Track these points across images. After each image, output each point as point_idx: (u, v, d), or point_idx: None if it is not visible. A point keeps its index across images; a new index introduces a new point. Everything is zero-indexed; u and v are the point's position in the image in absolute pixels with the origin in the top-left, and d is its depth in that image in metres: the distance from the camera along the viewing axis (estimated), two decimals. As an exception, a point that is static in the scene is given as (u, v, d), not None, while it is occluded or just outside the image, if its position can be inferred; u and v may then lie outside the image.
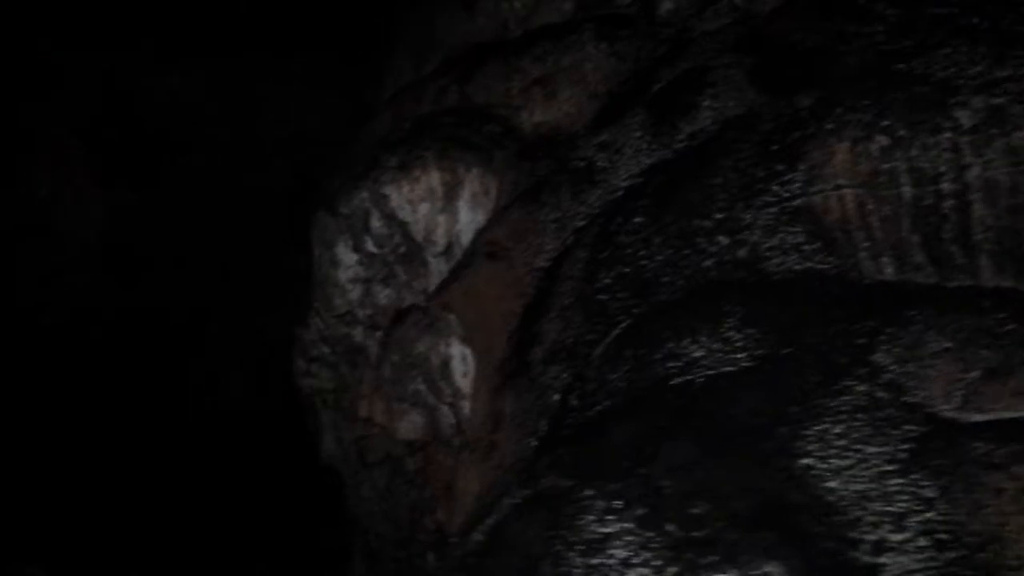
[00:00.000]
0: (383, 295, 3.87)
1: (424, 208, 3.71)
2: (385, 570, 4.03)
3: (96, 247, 4.24)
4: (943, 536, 1.85)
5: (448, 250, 3.74)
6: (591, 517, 2.14)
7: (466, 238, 3.71)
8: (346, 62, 4.53)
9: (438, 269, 3.73)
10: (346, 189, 3.87)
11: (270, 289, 4.39)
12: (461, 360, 3.47)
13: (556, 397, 3.02)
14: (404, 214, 3.73)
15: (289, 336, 4.24)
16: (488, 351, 3.41)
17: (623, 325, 2.86)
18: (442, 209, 3.71)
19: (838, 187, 2.65)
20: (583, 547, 2.10)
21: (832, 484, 1.97)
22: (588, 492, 2.20)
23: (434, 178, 3.69)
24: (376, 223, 3.79)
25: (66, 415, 3.74)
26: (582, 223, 3.33)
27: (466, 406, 3.46)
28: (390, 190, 3.71)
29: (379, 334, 3.89)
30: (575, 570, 2.08)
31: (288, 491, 4.05)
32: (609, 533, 2.08)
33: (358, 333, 3.97)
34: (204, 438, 4.01)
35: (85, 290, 4.13)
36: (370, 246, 3.84)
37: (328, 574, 3.95)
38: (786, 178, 2.75)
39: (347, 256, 3.91)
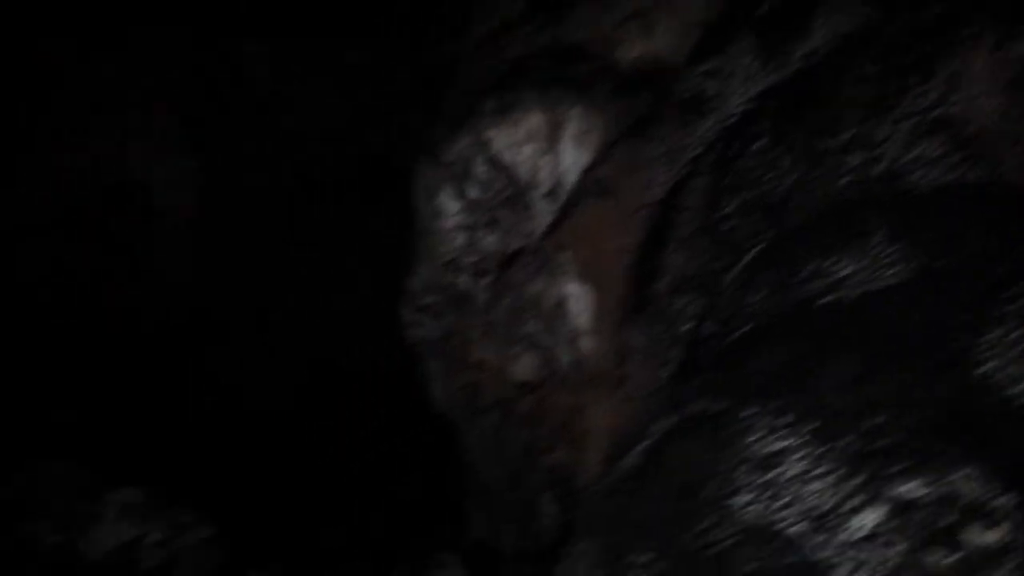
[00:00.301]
0: (488, 241, 3.83)
1: (528, 150, 3.66)
2: (498, 512, 4.05)
3: (191, 218, 4.24)
4: None
5: (553, 191, 3.69)
6: (757, 435, 2.10)
7: (571, 178, 3.66)
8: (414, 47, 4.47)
9: (544, 211, 3.68)
10: (446, 137, 3.84)
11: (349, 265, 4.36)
12: (578, 298, 3.44)
13: (687, 327, 2.98)
14: (507, 157, 3.68)
15: (356, 305, 4.24)
16: (606, 287, 3.37)
17: (755, 250, 2.80)
18: (546, 150, 3.66)
19: (978, 96, 2.56)
20: (753, 464, 2.06)
21: (1016, 391, 1.91)
22: (750, 411, 2.16)
23: (536, 119, 3.63)
24: (479, 169, 3.75)
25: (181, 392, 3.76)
26: (695, 153, 3.26)
27: (585, 343, 3.43)
28: (492, 134, 3.67)
29: (487, 280, 3.86)
30: (745, 487, 2.05)
31: (399, 441, 4.06)
32: (780, 449, 2.04)
33: (464, 280, 3.95)
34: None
35: (182, 264, 4.14)
36: (473, 192, 3.81)
37: (441, 518, 3.96)
38: (920, 90, 2.66)
39: (450, 204, 3.88)
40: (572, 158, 3.63)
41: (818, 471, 1.97)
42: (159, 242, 4.20)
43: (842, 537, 1.90)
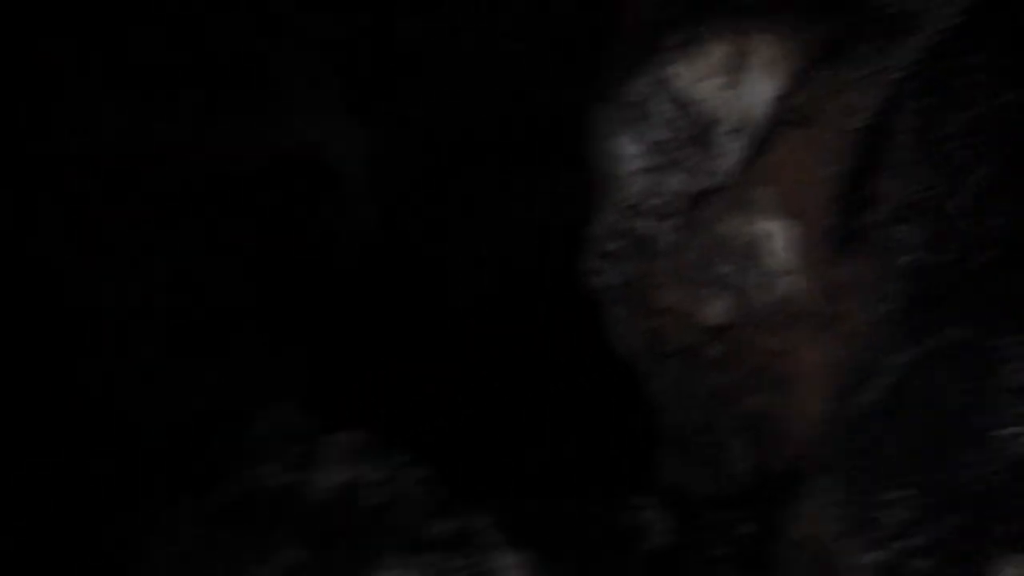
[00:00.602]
0: (673, 182, 3.79)
1: (713, 84, 3.58)
2: (690, 457, 4.05)
3: (362, 180, 4.33)
4: None
5: (742, 125, 3.61)
6: (1020, 364, 2.03)
7: (761, 110, 3.58)
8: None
9: (733, 147, 3.61)
10: (623, 78, 3.80)
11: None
12: (776, 235, 3.37)
13: (909, 257, 2.89)
14: (691, 93, 3.61)
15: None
16: (809, 221, 3.30)
17: (983, 171, 2.68)
18: (732, 83, 3.57)
19: None
20: (1018, 394, 2.00)
21: None
22: (1007, 340, 2.09)
23: (721, 51, 3.55)
24: (660, 108, 3.70)
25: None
26: (902, 74, 3.14)
27: (787, 282, 3.37)
28: (675, 70, 3.60)
29: (672, 222, 3.83)
30: (1011, 419, 1.99)
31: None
32: (1051, 378, 1.97)
33: (648, 225, 3.93)
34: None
35: (359, 225, 4.23)
36: (655, 133, 3.76)
37: (636, 465, 4.00)
38: None
39: (630, 147, 3.84)
40: (762, 89, 3.54)
41: (1099, 398, 1.89)
42: (337, 208, 4.34)
43: None
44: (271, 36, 4.32)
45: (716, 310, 3.72)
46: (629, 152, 3.94)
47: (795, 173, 3.35)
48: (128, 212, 3.71)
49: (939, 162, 2.86)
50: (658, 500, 3.83)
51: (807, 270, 3.28)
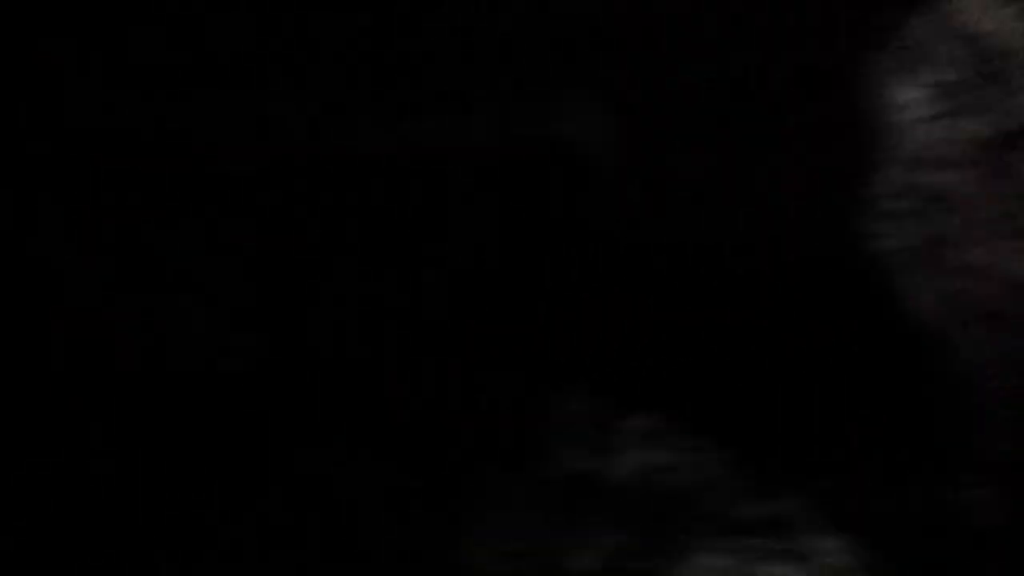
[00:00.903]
0: (966, 128, 3.62)
1: (1003, 14, 3.40)
2: (1000, 430, 3.85)
3: (614, 171, 4.36)
4: None
5: (1043, 55, 3.40)
6: None
7: (1064, 35, 3.36)
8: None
9: (1034, 79, 3.41)
10: (900, 20, 3.67)
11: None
12: (1103, 172, 3.15)
13: None
14: (979, 27, 3.45)
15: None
16: None
17: None
18: (1026, 10, 3.38)
19: None
20: None
21: None
22: None
23: (1012, -24, 3.37)
24: (945, 47, 3.55)
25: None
26: None
27: (1121, 221, 3.15)
28: (958, 4, 3.45)
29: (968, 172, 3.66)
30: None
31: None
32: None
33: (939, 177, 3.77)
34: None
35: (614, 214, 4.27)
36: (940, 76, 3.60)
37: (951, 440, 3.84)
38: None
39: (911, 94, 3.70)
40: (1063, 11, 3.33)
41: None
42: (593, 201, 4.41)
43: None
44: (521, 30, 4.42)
45: (1028, 264, 3.52)
46: (913, 99, 3.79)
47: (1118, 99, 3.11)
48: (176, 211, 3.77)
49: None
50: (983, 477, 3.66)
51: None
